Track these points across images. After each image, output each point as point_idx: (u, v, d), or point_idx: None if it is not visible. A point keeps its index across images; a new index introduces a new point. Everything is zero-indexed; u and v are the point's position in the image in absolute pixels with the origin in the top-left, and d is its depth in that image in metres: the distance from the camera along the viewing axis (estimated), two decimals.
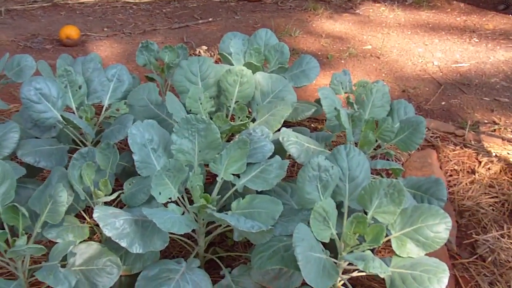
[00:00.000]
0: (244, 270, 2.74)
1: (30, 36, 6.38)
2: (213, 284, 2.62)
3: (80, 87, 3.47)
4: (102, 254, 2.61)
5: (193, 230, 2.76)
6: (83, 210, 2.99)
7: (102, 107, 3.59)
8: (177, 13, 7.18)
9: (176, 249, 3.21)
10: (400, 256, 2.53)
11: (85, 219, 3.01)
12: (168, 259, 2.72)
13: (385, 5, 7.77)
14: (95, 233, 3.06)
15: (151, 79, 4.05)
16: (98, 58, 3.78)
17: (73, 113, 3.43)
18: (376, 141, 3.23)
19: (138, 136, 2.82)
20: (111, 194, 2.83)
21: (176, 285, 2.50)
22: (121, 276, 2.62)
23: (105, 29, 6.61)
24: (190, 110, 3.32)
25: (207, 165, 2.94)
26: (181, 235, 2.74)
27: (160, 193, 2.62)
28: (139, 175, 2.87)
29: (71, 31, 6.01)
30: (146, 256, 2.68)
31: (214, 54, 5.82)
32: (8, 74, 3.98)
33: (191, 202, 2.82)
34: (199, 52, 5.85)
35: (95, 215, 2.50)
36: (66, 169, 2.94)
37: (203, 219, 2.72)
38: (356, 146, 3.17)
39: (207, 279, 2.58)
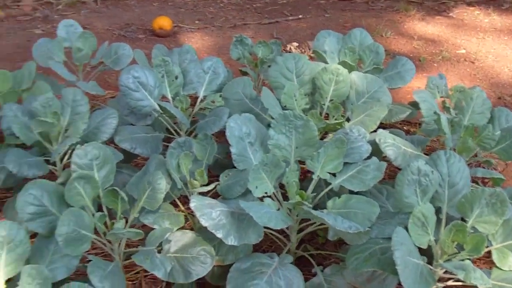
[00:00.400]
0: (336, 270, 2.72)
1: (124, 26, 6.53)
2: (304, 282, 2.61)
3: (176, 78, 3.52)
4: (196, 243, 2.64)
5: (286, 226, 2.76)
6: (177, 199, 3.03)
7: (197, 98, 3.63)
8: (267, 8, 7.21)
9: (266, 244, 3.21)
10: (501, 269, 2.46)
11: (178, 207, 3.05)
12: (258, 252, 2.73)
13: (480, 9, 7.56)
14: (187, 221, 3.10)
15: (245, 73, 4.07)
16: (193, 49, 3.82)
17: (169, 102, 3.48)
18: None
19: (236, 129, 2.83)
20: (206, 184, 2.86)
21: (268, 280, 2.51)
22: (213, 266, 2.64)
23: (197, 21, 6.70)
24: (285, 106, 3.32)
25: (300, 162, 2.93)
26: (273, 230, 2.75)
27: (256, 187, 2.63)
28: (233, 167, 2.90)
29: (164, 22, 6.11)
30: (239, 248, 2.70)
31: (304, 51, 5.81)
32: (106, 61, 4.09)
33: (284, 198, 2.82)
34: (290, 48, 5.85)
35: (191, 205, 2.54)
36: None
37: (297, 216, 2.71)
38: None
39: (299, 275, 2.57)
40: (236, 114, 2.89)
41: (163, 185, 2.61)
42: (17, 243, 2.50)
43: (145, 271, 3.08)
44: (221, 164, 3.30)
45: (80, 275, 2.96)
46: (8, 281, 2.56)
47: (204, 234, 2.71)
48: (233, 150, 2.79)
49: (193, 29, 6.46)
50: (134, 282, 3.03)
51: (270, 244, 3.23)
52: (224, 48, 5.91)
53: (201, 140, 2.92)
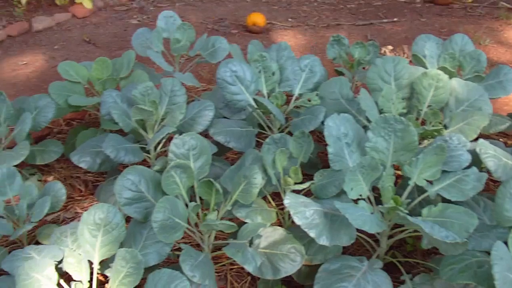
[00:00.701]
0: (426, 279, 2.65)
1: (217, 20, 6.60)
2: None
3: (273, 74, 3.53)
4: (287, 241, 2.63)
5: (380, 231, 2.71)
6: (268, 195, 3.04)
7: (292, 96, 3.62)
8: (361, 9, 7.13)
9: (353, 247, 3.18)
10: None
11: (269, 203, 3.05)
12: (347, 255, 2.70)
13: None
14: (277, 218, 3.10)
15: (340, 73, 4.04)
16: (289, 47, 3.81)
17: (264, 98, 3.48)
18: None
19: (334, 128, 2.81)
20: (300, 183, 2.85)
21: (357, 283, 2.47)
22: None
23: (290, 19, 6.69)
24: (382, 109, 3.27)
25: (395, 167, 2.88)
26: (363, 234, 2.71)
27: (352, 189, 2.60)
28: (323, 167, 2.88)
29: (257, 18, 6.14)
30: (329, 249, 2.68)
31: (399, 55, 5.71)
32: (202, 53, 4.13)
33: (376, 202, 2.77)
34: (385, 51, 5.76)
35: (286, 202, 2.53)
36: None
37: (389, 221, 2.66)
38: None
39: (388, 282, 2.52)
40: (335, 114, 2.86)
41: (259, 179, 2.61)
42: (114, 226, 2.57)
43: (231, 264, 3.11)
44: (311, 163, 3.28)
45: (170, 263, 3.02)
46: (101, 262, 2.63)
47: (294, 232, 2.71)
48: (330, 149, 2.76)
49: (286, 27, 6.46)
50: (220, 274, 3.06)
51: (357, 247, 3.19)
52: (316, 48, 5.88)
53: (298, 138, 2.90)
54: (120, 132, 3.41)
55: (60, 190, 3.14)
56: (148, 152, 3.32)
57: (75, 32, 6.27)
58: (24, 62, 5.57)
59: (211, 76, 5.27)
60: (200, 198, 2.81)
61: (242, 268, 3.10)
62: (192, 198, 2.82)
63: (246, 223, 2.75)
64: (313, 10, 7.12)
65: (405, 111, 3.37)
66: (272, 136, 2.96)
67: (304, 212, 2.50)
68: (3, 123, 3.59)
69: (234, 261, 3.02)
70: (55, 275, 2.54)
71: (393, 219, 2.61)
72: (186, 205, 2.70)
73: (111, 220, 2.57)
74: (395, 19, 6.81)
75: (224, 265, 3.11)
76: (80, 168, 3.83)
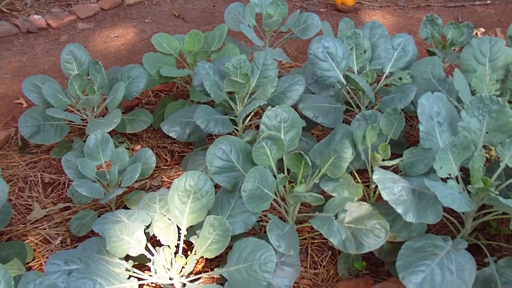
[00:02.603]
0: (511, 262, 2.59)
1: None
2: None
3: (365, 51, 3.49)
4: (372, 216, 2.62)
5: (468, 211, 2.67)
6: (355, 171, 3.03)
7: (382, 74, 3.58)
8: None
9: (436, 227, 3.14)
10: None
11: (355, 178, 3.04)
12: (432, 234, 2.67)
13: None
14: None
15: (432, 53, 3.95)
16: (383, 26, 3.75)
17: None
18: None
19: (427, 107, 2.76)
20: (389, 159, 2.83)
21: (440, 262, 2.45)
22: None
23: None
24: (474, 90, 3.19)
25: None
26: (448, 214, 2.68)
27: (441, 168, 2.55)
28: (408, 146, 2.84)
29: None
30: (413, 226, 2.66)
31: None
32: (294, 30, 4.13)
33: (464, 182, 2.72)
34: (476, 33, 5.60)
35: (374, 177, 2.52)
36: None
37: (477, 202, 2.61)
38: None
39: (472, 262, 2.47)
40: (428, 92, 2.81)
41: (349, 154, 2.61)
42: (203, 193, 2.62)
43: (312, 238, 3.13)
44: (397, 141, 3.24)
45: (253, 233, 3.07)
46: (187, 229, 2.69)
47: (379, 208, 2.70)
48: (421, 127, 2.72)
49: (375, 6, 6.36)
50: (301, 247, 3.09)
51: (440, 227, 3.15)
52: (405, 28, 5.78)
53: (389, 115, 2.88)
54: (209, 104, 3.46)
55: (150, 157, 3.23)
56: (235, 124, 3.36)
57: (165, 6, 6.37)
58: (116, 35, 5.71)
59: (297, 53, 5.27)
60: (288, 170, 2.83)
61: (323, 242, 3.13)
62: (279, 170, 2.85)
63: (332, 197, 2.75)
64: None
65: (498, 93, 3.27)
66: (363, 112, 2.95)
67: (392, 188, 2.48)
68: (97, 92, 3.71)
69: (315, 235, 3.07)
70: (144, 239, 2.63)
71: (482, 199, 2.56)
72: (274, 177, 2.73)
73: (201, 187, 2.62)
74: (488, 2, 6.59)
75: (305, 238, 3.13)
76: (167, 138, 3.95)
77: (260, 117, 3.52)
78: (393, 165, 2.83)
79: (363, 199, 3.08)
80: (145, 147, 3.89)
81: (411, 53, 3.60)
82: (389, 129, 2.90)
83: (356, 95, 3.52)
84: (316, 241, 3.13)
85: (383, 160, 2.84)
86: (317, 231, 2.99)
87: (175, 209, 2.66)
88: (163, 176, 3.66)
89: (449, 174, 2.59)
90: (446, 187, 2.45)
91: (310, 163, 2.68)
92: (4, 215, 2.95)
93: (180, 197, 2.64)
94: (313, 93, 3.60)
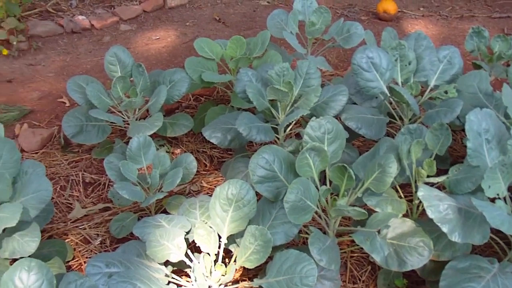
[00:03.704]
0: None
1: (347, 6, 6.53)
2: None
3: (409, 63, 3.46)
4: (415, 234, 2.59)
5: None
6: (398, 185, 2.99)
7: (427, 86, 3.54)
8: (498, 1, 6.83)
9: (480, 247, 3.08)
10: None
11: (398, 193, 3.00)
12: (477, 255, 2.62)
13: None
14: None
15: (478, 67, 3.89)
16: (428, 37, 3.71)
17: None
18: None
19: (476, 123, 2.72)
20: (435, 175, 2.80)
21: (486, 285, 2.41)
22: None
23: (421, 8, 6.52)
24: None
25: None
26: (494, 235, 2.62)
27: (489, 187, 2.51)
28: (453, 163, 2.79)
29: (389, 6, 6.02)
30: (457, 246, 2.61)
31: None
32: (337, 38, 4.11)
33: None
34: None
35: (419, 194, 2.49)
36: None
37: None
38: None
39: None
40: (477, 108, 2.77)
41: (394, 169, 2.58)
42: (245, 202, 2.62)
43: (352, 252, 3.10)
44: (441, 157, 3.19)
45: (292, 244, 3.05)
46: (228, 237, 2.68)
47: (422, 225, 2.66)
48: (469, 144, 2.68)
49: (417, 16, 6.30)
50: (340, 261, 3.05)
51: (485, 248, 3.09)
52: (448, 39, 5.71)
53: (435, 130, 2.84)
54: (250, 111, 3.46)
55: (191, 162, 3.24)
56: (276, 132, 3.35)
57: (206, 10, 6.39)
58: (157, 37, 5.74)
59: (337, 61, 5.24)
60: (330, 183, 2.81)
61: (363, 257, 3.10)
62: (321, 182, 2.82)
63: (374, 211, 2.72)
64: (446, 0, 6.91)
65: None
66: (407, 126, 2.91)
67: (438, 205, 2.45)
68: (139, 94, 3.73)
69: (355, 248, 3.04)
70: (184, 245, 2.63)
71: None
72: (317, 188, 2.71)
73: (244, 196, 2.62)
74: None
75: (345, 252, 3.10)
76: (207, 143, 3.96)
77: (300, 126, 3.52)
78: (438, 182, 2.79)
79: (405, 215, 3.04)
80: (185, 151, 3.91)
81: (457, 66, 3.55)
82: (435, 144, 2.86)
83: (399, 107, 3.48)
84: (355, 255, 3.10)
85: (428, 176, 2.80)
86: (357, 245, 2.97)
87: (216, 217, 2.66)
88: (202, 181, 3.67)
89: (497, 194, 2.55)
90: (495, 207, 2.40)
91: (353, 177, 2.65)
92: (47, 213, 2.98)
93: (221, 205, 2.64)
94: (355, 104, 3.57)
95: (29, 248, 2.60)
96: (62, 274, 2.38)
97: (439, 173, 2.85)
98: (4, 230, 2.58)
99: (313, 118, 2.83)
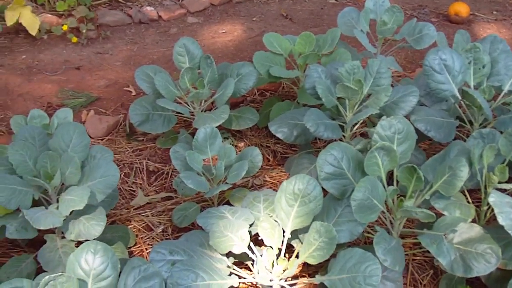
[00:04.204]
0: None
1: (417, 6, 6.44)
2: None
3: (483, 66, 3.38)
4: (483, 240, 2.52)
5: None
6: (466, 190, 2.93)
7: (500, 91, 3.45)
8: None
9: None
10: None
11: (466, 198, 2.94)
12: None
13: None
14: None
15: None
16: (505, 40, 3.61)
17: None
18: None
19: None
20: (507, 182, 2.73)
21: None
22: None
23: (494, 12, 6.37)
24: None
25: None
26: None
27: None
28: None
29: (461, 8, 5.91)
30: None
31: None
32: (408, 39, 4.05)
33: None
34: None
35: (491, 200, 2.45)
36: None
37: None
38: None
39: None
40: None
41: (465, 173, 2.53)
42: (311, 198, 2.60)
43: (414, 255, 3.05)
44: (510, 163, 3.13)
45: (355, 243, 3.02)
46: (291, 232, 2.68)
47: (490, 231, 2.59)
48: None
49: (489, 19, 6.16)
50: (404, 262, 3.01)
51: None
52: None
53: (510, 135, 2.77)
54: (316, 107, 3.44)
55: (257, 156, 3.24)
56: (343, 130, 3.32)
57: (274, 6, 6.39)
58: (224, 31, 5.77)
59: (405, 62, 5.17)
60: (397, 183, 2.77)
61: (425, 260, 3.05)
62: (388, 182, 2.79)
63: (442, 215, 2.67)
64: None
65: None
66: (480, 131, 2.86)
67: (509, 212, 2.40)
68: (206, 86, 3.75)
69: (418, 252, 2.99)
70: (247, 237, 2.64)
71: None
72: (384, 188, 2.67)
73: (310, 192, 2.60)
74: None
75: (407, 254, 3.05)
76: (270, 137, 3.96)
77: (366, 125, 3.48)
78: (510, 189, 2.72)
79: (472, 221, 2.98)
80: (248, 145, 3.91)
81: None
82: (508, 150, 2.79)
83: (470, 111, 3.41)
84: (418, 258, 3.05)
85: (499, 182, 2.74)
86: (420, 248, 2.93)
87: (281, 211, 2.65)
88: (265, 176, 3.66)
89: None
90: None
91: (422, 178, 2.61)
92: (112, 199, 3.03)
93: (287, 200, 2.63)
94: (424, 105, 3.51)
95: (94, 232, 2.65)
96: (124, 259, 2.42)
97: (511, 180, 2.78)
98: (71, 212, 2.64)
99: (384, 117, 2.80)
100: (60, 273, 2.16)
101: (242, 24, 5.93)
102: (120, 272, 2.32)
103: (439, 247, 2.43)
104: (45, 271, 2.54)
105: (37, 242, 2.87)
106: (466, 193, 2.90)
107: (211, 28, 5.81)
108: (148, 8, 5.92)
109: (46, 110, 4.22)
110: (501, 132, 2.89)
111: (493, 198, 2.44)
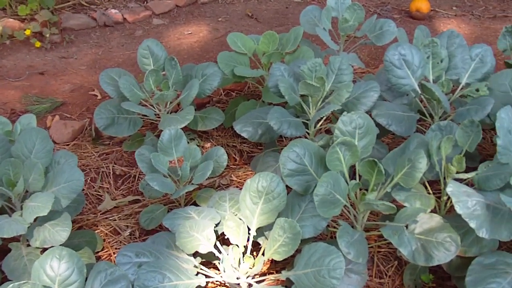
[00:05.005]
0: None
1: (379, 3, 6.51)
2: None
3: (441, 61, 3.45)
4: (443, 229, 2.58)
5: None
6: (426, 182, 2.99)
7: (458, 84, 3.52)
8: None
9: (507, 244, 3.04)
10: None
11: (426, 189, 2.99)
12: (503, 251, 2.61)
13: None
14: None
15: (510, 66, 3.86)
16: (461, 35, 3.68)
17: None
18: None
19: (506, 121, 2.70)
20: (464, 171, 2.79)
21: (511, 281, 2.40)
22: None
23: (454, 7, 6.47)
24: None
25: None
26: None
27: None
28: (482, 160, 2.79)
29: (422, 4, 5.99)
30: (484, 242, 2.59)
31: None
32: (369, 35, 4.10)
33: None
34: None
35: (448, 190, 2.50)
36: None
37: None
38: None
39: None
40: (508, 106, 2.76)
41: (423, 164, 2.58)
42: (275, 195, 2.64)
43: (379, 247, 3.11)
44: (470, 154, 3.18)
45: (320, 238, 3.06)
46: (257, 230, 2.71)
47: (449, 220, 2.65)
48: (499, 141, 2.67)
49: (450, 15, 6.25)
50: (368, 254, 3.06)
51: (511, 245, 3.07)
52: (480, 39, 5.66)
53: (466, 127, 2.83)
54: (280, 105, 3.47)
55: (222, 155, 3.27)
56: (307, 127, 3.36)
57: (239, 6, 6.42)
58: (189, 32, 5.79)
59: (369, 59, 5.23)
60: (359, 177, 2.82)
61: (390, 252, 3.10)
62: (350, 177, 2.83)
63: (403, 206, 2.72)
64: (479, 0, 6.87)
65: None
66: (438, 123, 2.92)
67: (466, 201, 2.45)
68: (171, 87, 3.77)
69: (382, 244, 3.05)
70: (213, 236, 2.66)
71: None
72: (347, 183, 2.72)
73: (274, 189, 2.64)
74: None
75: (372, 247, 3.11)
76: (237, 137, 3.99)
77: (330, 122, 3.53)
78: (467, 178, 2.79)
79: (432, 211, 3.04)
80: (215, 145, 3.94)
81: (489, 65, 3.53)
82: (465, 141, 2.85)
83: (430, 104, 3.47)
84: (382, 250, 3.11)
85: (457, 172, 2.80)
86: (384, 240, 2.99)
87: (246, 209, 2.68)
88: (232, 175, 3.69)
89: None
90: None
91: (383, 171, 2.66)
92: (78, 204, 3.03)
93: (252, 198, 2.66)
94: (386, 101, 3.57)
95: (60, 238, 2.65)
96: (92, 264, 2.43)
97: (468, 170, 2.84)
98: (35, 219, 2.64)
99: (345, 113, 2.84)
100: (24, 281, 2.17)
101: (207, 25, 5.95)
102: (87, 278, 2.33)
103: (400, 238, 2.48)
104: (10, 280, 2.53)
105: (1, 251, 2.86)
106: (427, 185, 2.96)
107: (177, 30, 5.82)
108: (113, 10, 5.90)
109: (9, 117, 4.19)
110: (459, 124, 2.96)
111: (451, 188, 2.50)
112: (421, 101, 3.51)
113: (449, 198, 2.80)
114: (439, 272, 2.89)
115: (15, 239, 2.74)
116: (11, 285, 2.14)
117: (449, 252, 2.52)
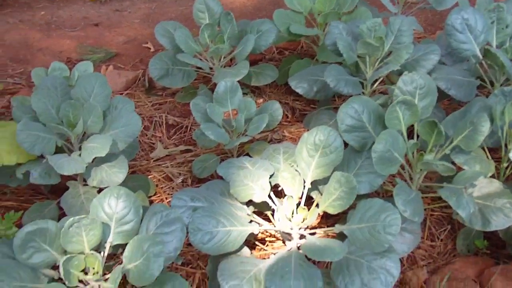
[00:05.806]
0: None
1: None
2: None
3: (507, 26, 3.37)
4: (502, 195, 2.55)
5: None
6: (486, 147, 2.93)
7: None
8: None
9: None
10: None
11: (486, 154, 2.94)
12: None
13: None
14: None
15: None
16: None
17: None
18: None
19: None
20: None
21: None
22: None
23: None
24: None
25: None
26: None
27: None
28: None
29: None
30: None
31: None
32: (429, 0, 4.02)
33: None
34: None
35: (511, 154, 2.45)
36: None
37: None
38: None
39: None
40: None
41: (486, 128, 2.53)
42: (332, 149, 2.62)
43: (432, 210, 3.08)
44: None
45: (374, 196, 3.04)
46: (311, 183, 2.70)
47: (510, 187, 2.61)
48: None
49: None
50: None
51: None
52: None
53: None
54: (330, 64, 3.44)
55: (277, 109, 3.26)
56: (363, 87, 3.33)
57: None
58: None
59: (426, 24, 5.14)
60: (417, 138, 2.78)
61: (443, 216, 3.08)
62: (408, 137, 2.80)
63: (461, 170, 2.68)
64: None
65: None
66: (502, 88, 2.85)
67: None
68: (226, 42, 3.76)
69: (435, 207, 3.01)
70: (268, 186, 2.66)
71: None
72: (405, 142, 2.69)
73: (331, 143, 2.62)
74: None
75: (425, 209, 3.06)
76: (289, 94, 3.98)
77: (385, 84, 3.48)
78: None
79: (492, 176, 2.99)
80: (267, 100, 3.92)
81: None
82: None
83: (491, 71, 3.40)
84: (435, 213, 3.08)
85: None
86: (438, 203, 2.96)
87: (301, 161, 2.67)
88: (284, 131, 3.69)
89: None
90: None
91: (443, 132, 2.62)
92: (132, 149, 3.06)
93: (308, 150, 2.65)
94: (445, 65, 3.51)
95: (116, 179, 2.70)
96: (146, 207, 2.45)
97: None
98: (93, 160, 2.67)
99: (406, 72, 2.80)
100: (84, 216, 2.20)
101: None
102: (142, 218, 2.36)
103: (459, 200, 2.44)
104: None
105: (59, 189, 2.92)
106: (486, 151, 2.91)
107: None
108: None
109: (65, 65, 4.23)
110: None
111: None
112: (482, 67, 3.44)
113: (509, 165, 2.76)
114: (494, 239, 2.85)
115: (73, 178, 2.79)
116: (71, 218, 2.17)
117: (508, 218, 2.50)
